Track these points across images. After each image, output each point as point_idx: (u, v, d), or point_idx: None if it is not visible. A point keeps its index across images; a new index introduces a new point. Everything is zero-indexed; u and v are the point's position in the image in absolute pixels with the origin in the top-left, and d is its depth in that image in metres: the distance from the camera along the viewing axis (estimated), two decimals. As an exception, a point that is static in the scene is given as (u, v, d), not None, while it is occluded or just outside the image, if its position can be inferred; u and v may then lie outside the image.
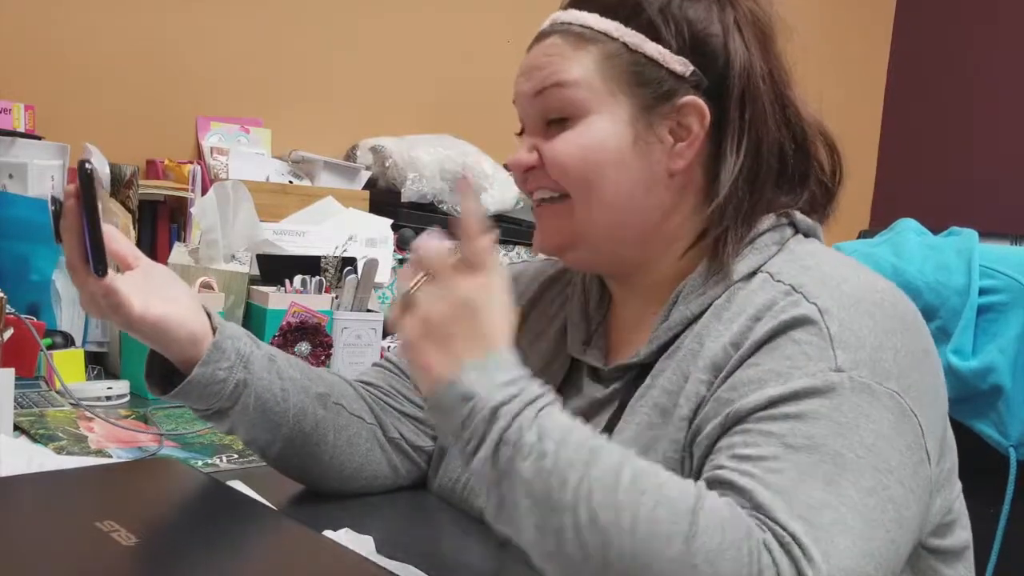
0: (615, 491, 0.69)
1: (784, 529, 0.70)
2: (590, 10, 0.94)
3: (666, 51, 0.92)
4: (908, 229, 1.33)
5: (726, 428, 0.81)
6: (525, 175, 0.96)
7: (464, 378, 0.74)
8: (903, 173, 3.31)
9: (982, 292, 1.22)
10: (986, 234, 1.33)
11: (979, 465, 1.01)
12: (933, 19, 3.27)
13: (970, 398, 1.20)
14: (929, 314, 1.22)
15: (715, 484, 0.75)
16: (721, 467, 0.77)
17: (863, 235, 1.67)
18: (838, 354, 0.80)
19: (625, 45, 0.92)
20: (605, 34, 0.92)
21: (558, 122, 0.94)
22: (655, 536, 0.68)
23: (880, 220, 2.52)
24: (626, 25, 0.92)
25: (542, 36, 0.96)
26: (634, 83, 0.92)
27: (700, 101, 0.92)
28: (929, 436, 0.82)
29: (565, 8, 0.97)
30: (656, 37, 0.92)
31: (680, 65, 0.92)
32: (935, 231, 1.34)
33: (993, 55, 3.10)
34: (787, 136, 0.95)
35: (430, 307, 0.77)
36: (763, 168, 0.93)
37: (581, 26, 0.93)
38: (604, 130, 0.92)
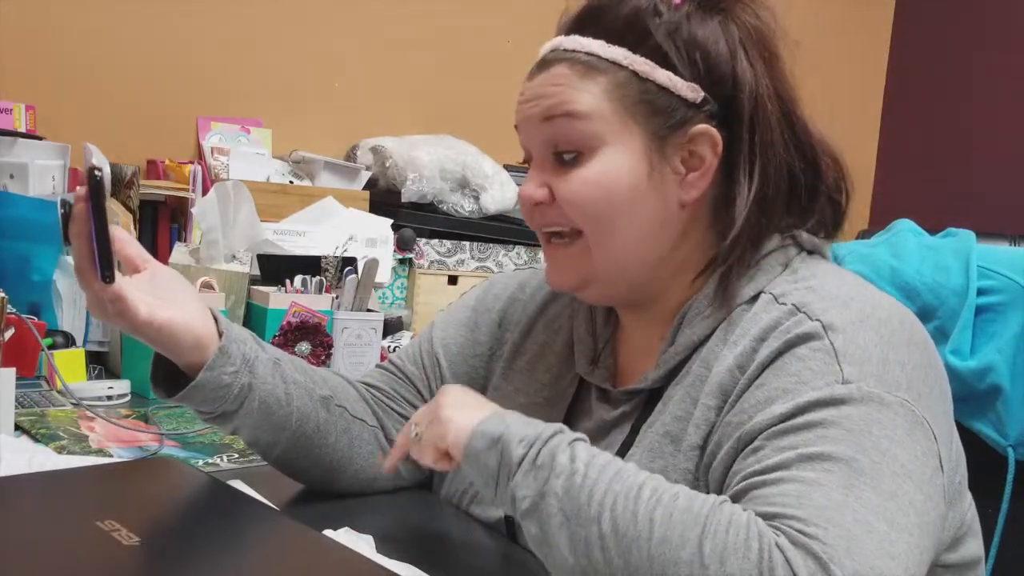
0: (636, 502, 0.73)
1: (802, 532, 0.69)
2: (595, 36, 0.89)
3: (677, 78, 0.88)
4: (905, 230, 1.33)
5: (738, 451, 0.81)
6: (534, 210, 0.94)
7: (487, 425, 0.81)
8: (902, 174, 3.31)
9: (980, 293, 1.22)
10: (984, 235, 1.33)
11: (977, 465, 1.01)
12: (932, 19, 3.27)
13: (968, 398, 1.20)
14: (927, 314, 1.22)
15: (735, 502, 0.76)
16: (737, 486, 0.77)
17: (862, 235, 1.67)
18: (844, 367, 0.79)
19: (635, 74, 0.88)
20: (614, 62, 0.88)
21: (569, 155, 0.90)
22: (668, 541, 0.70)
23: (879, 221, 2.52)
24: (634, 52, 0.88)
25: (545, 64, 0.92)
26: (646, 112, 0.89)
27: (713, 130, 0.89)
28: (943, 445, 0.81)
29: (566, 33, 0.92)
30: (665, 63, 0.88)
31: (691, 92, 0.89)
32: (933, 232, 1.34)
33: (993, 55, 3.10)
34: (796, 156, 0.91)
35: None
36: (772, 191, 0.90)
37: (587, 54, 0.89)
38: (620, 165, 0.89)
